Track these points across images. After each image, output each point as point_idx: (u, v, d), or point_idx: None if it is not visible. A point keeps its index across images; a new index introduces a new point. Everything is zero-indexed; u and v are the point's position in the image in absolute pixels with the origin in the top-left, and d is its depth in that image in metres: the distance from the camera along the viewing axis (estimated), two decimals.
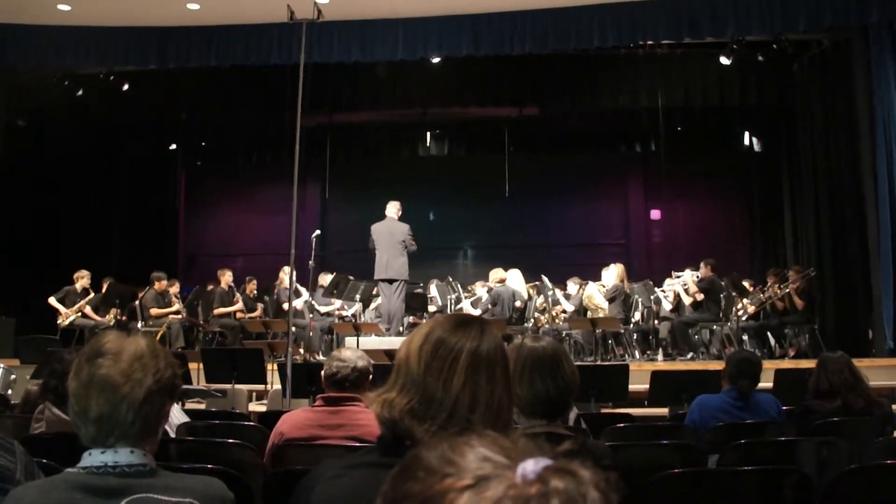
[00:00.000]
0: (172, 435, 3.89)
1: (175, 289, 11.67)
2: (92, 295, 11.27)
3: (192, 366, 7.66)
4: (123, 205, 15.01)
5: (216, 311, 11.56)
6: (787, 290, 10.53)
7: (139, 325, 10.89)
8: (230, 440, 3.60)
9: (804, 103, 12.48)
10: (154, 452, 1.74)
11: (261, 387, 7.87)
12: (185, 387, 6.54)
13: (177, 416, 4.11)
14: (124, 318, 11.17)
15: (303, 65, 7.31)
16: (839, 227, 11.49)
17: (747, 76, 12.73)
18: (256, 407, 7.76)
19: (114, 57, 11.16)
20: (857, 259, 10.95)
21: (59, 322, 10.93)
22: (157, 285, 11.17)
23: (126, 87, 12.61)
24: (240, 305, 11.79)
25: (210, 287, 12.24)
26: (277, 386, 7.31)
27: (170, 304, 11.25)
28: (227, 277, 11.81)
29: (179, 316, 11.18)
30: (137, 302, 11.20)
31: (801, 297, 10.53)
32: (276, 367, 7.57)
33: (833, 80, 11.56)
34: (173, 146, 15.91)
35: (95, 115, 13.30)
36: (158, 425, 1.75)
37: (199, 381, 7.69)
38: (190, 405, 6.84)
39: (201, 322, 11.67)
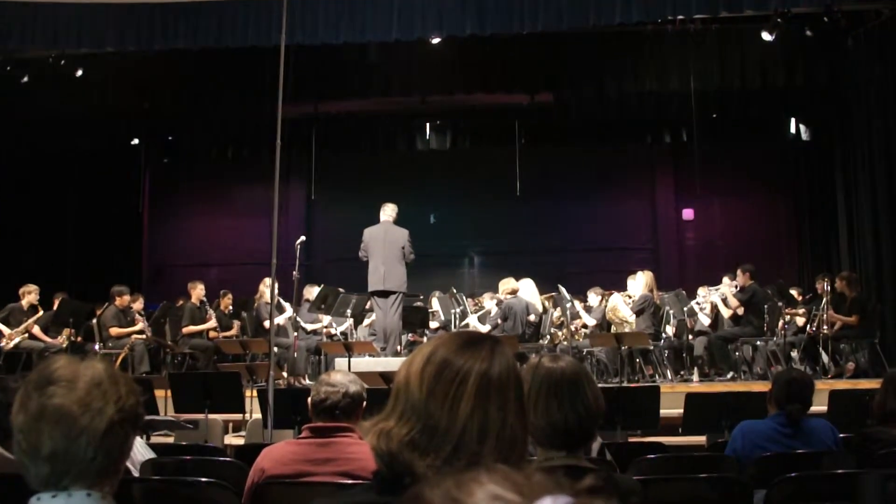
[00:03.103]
0: (136, 474, 3.88)
1: (139, 305, 11.66)
2: (41, 313, 11.25)
3: (159, 393, 7.65)
4: (77, 208, 15.03)
5: (186, 330, 11.54)
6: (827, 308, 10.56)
7: (97, 346, 10.87)
8: (203, 479, 3.59)
9: (860, 84, 12.46)
10: (114, 494, 1.73)
11: (238, 416, 7.87)
12: (150, 417, 6.53)
13: (141, 451, 4.10)
14: (79, 339, 11.15)
15: (283, 47, 7.32)
16: None
17: (793, 54, 12.71)
18: (233, 440, 7.76)
19: (65, 38, 11.13)
20: None
21: (1, 345, 10.90)
22: (117, 301, 11.15)
23: (80, 72, 12.60)
24: (213, 323, 11.77)
25: (179, 302, 12.23)
26: (257, 415, 7.30)
27: (132, 323, 11.23)
28: (198, 291, 11.79)
29: (144, 336, 11.16)
30: (95, 320, 11.18)
31: (854, 308, 10.52)
32: (255, 393, 7.56)
33: (894, 57, 11.54)
34: (135, 141, 15.91)
35: (44, 106, 13.30)
36: (120, 462, 1.74)
37: (166, 410, 7.68)
38: (156, 439, 6.83)
39: (169, 343, 11.65)
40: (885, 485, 3.55)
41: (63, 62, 12.39)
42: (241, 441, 7.41)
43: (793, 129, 15.22)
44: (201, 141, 16.10)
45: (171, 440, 7.10)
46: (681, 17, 11.07)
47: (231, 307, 12.54)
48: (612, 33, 12.29)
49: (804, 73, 12.84)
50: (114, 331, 11.02)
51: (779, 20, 11.37)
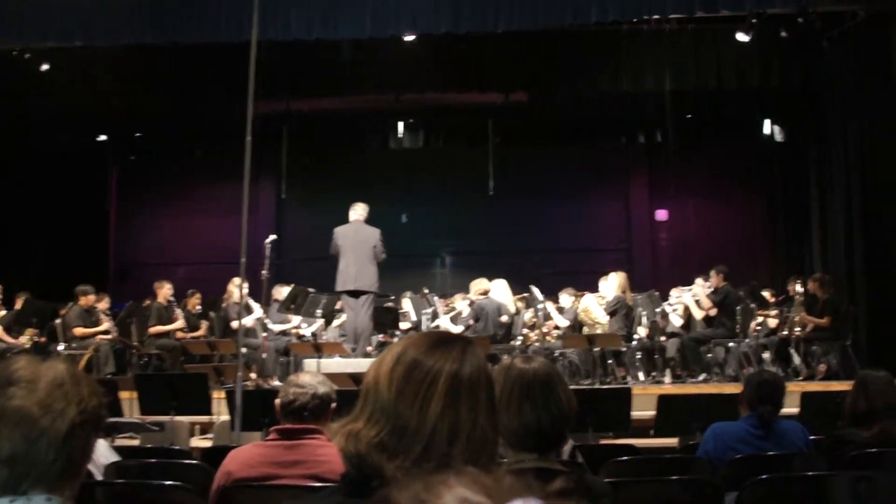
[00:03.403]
0: (99, 477, 3.84)
1: (104, 304, 11.57)
2: (3, 313, 11.14)
3: (125, 394, 7.61)
4: (42, 205, 14.86)
5: (152, 331, 11.46)
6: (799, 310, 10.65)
7: (61, 347, 10.79)
8: (168, 482, 3.57)
9: (835, 85, 12.57)
10: (75, 498, 1.71)
11: (205, 418, 7.83)
12: (115, 420, 6.49)
13: (104, 454, 4.06)
14: (43, 339, 11.05)
15: (255, 42, 7.27)
16: (875, 228, 11.58)
17: (768, 55, 12.79)
18: (200, 442, 7.72)
19: (30, 31, 10.99)
20: None
21: None
22: (82, 300, 11.07)
23: (45, 67, 12.47)
24: (181, 323, 11.70)
25: (146, 302, 12.14)
26: (225, 417, 7.27)
27: (98, 323, 11.15)
28: (165, 291, 11.72)
29: (109, 336, 11.09)
30: (59, 320, 11.09)
31: (826, 310, 10.62)
32: (223, 395, 7.52)
33: (869, 58, 11.64)
34: (102, 137, 15.78)
35: (7, 101, 13.15)
36: (82, 465, 1.72)
37: (132, 412, 7.63)
38: (121, 441, 6.78)
39: (135, 343, 11.57)
40: (855, 487, 3.59)
41: (28, 56, 12.25)
42: (208, 443, 7.37)
43: (767, 130, 15.34)
44: (170, 138, 15.98)
45: (136, 443, 7.05)
46: (656, 16, 11.13)
47: (199, 307, 12.46)
48: (588, 33, 12.33)
49: (779, 74, 12.93)
50: (78, 331, 10.93)
51: (754, 21, 11.45)
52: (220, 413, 7.66)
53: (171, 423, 7.11)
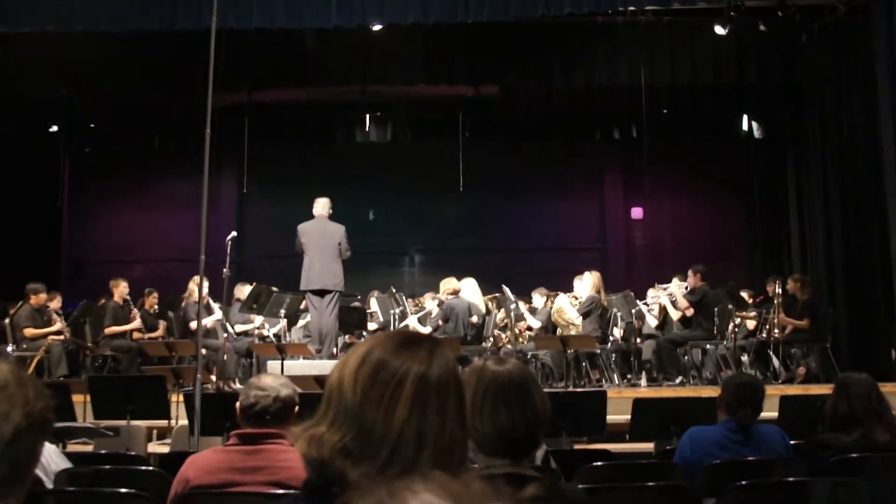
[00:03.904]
0: (49, 485, 3.79)
1: (56, 303, 11.46)
2: None
3: (77, 398, 7.54)
4: None
5: (108, 331, 11.38)
6: (778, 311, 10.74)
7: (10, 348, 10.67)
8: (123, 489, 3.53)
9: (814, 80, 12.70)
10: None
11: (163, 423, 7.77)
12: (67, 424, 6.42)
13: (55, 460, 4.01)
14: None
15: (215, 30, 7.22)
16: (855, 227, 11.71)
17: (747, 49, 12.91)
18: (157, 448, 7.67)
19: None
20: (877, 264, 11.13)
21: None
22: (32, 299, 10.96)
23: None
24: (137, 323, 11.62)
25: (101, 301, 12.06)
26: (183, 421, 7.21)
27: (49, 323, 11.05)
28: (121, 289, 11.63)
29: (61, 337, 10.99)
30: (8, 320, 10.97)
31: (806, 311, 10.71)
32: (181, 398, 7.46)
33: (849, 53, 11.77)
34: (54, 128, 15.61)
35: None
36: (28, 471, 1.69)
37: (85, 416, 7.57)
38: (73, 447, 6.70)
39: (89, 344, 11.49)
40: (835, 492, 3.61)
41: None
42: (165, 449, 7.32)
43: (745, 126, 15.47)
44: (126, 129, 15.84)
45: (89, 448, 6.97)
46: (632, 7, 11.16)
47: (157, 306, 12.41)
48: (561, 24, 12.35)
49: (757, 69, 13.04)
50: (28, 331, 10.83)
51: (732, 14, 11.53)
52: (179, 417, 7.60)
53: (127, 428, 7.05)
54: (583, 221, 16.87)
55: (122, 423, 7.07)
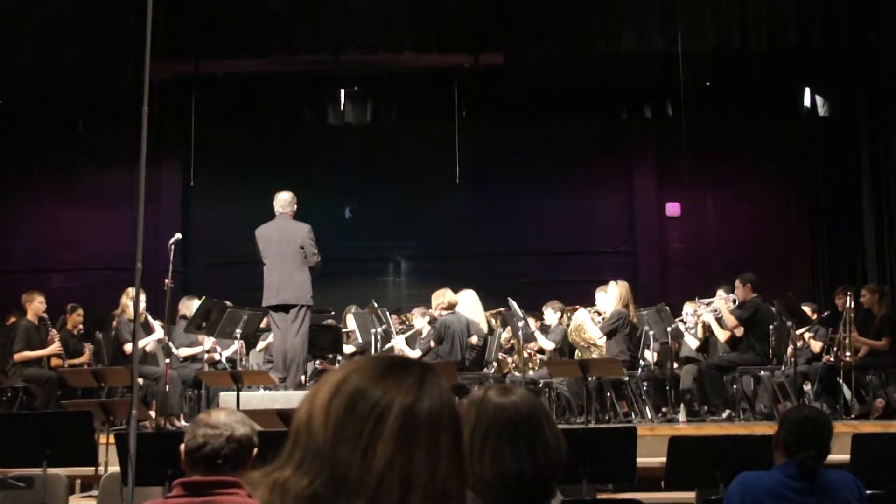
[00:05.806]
0: None
1: None
2: None
3: None
4: None
5: (19, 357, 11.35)
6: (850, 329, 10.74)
7: None
8: None
9: (893, 44, 12.66)
10: None
11: (89, 470, 7.76)
12: None
13: None
14: None
15: None
16: None
17: (809, 6, 12.87)
18: (81, 501, 7.65)
19: None
20: None
21: None
22: None
23: None
24: (57, 347, 11.60)
25: (11, 320, 12.05)
26: (115, 468, 7.21)
27: None
28: (36, 305, 11.61)
29: None
30: None
31: (885, 329, 10.71)
32: (112, 439, 7.45)
33: None
34: None
35: None
36: None
37: None
38: None
39: None
40: None
41: None
42: (92, 503, 7.31)
43: (807, 102, 15.47)
44: (43, 109, 15.81)
45: None
46: None
47: (81, 326, 12.39)
48: None
49: (822, 30, 12.90)
50: None
51: None
52: (109, 464, 7.59)
53: (43, 478, 7.03)
54: (606, 219, 16.90)
55: (38, 471, 7.04)
